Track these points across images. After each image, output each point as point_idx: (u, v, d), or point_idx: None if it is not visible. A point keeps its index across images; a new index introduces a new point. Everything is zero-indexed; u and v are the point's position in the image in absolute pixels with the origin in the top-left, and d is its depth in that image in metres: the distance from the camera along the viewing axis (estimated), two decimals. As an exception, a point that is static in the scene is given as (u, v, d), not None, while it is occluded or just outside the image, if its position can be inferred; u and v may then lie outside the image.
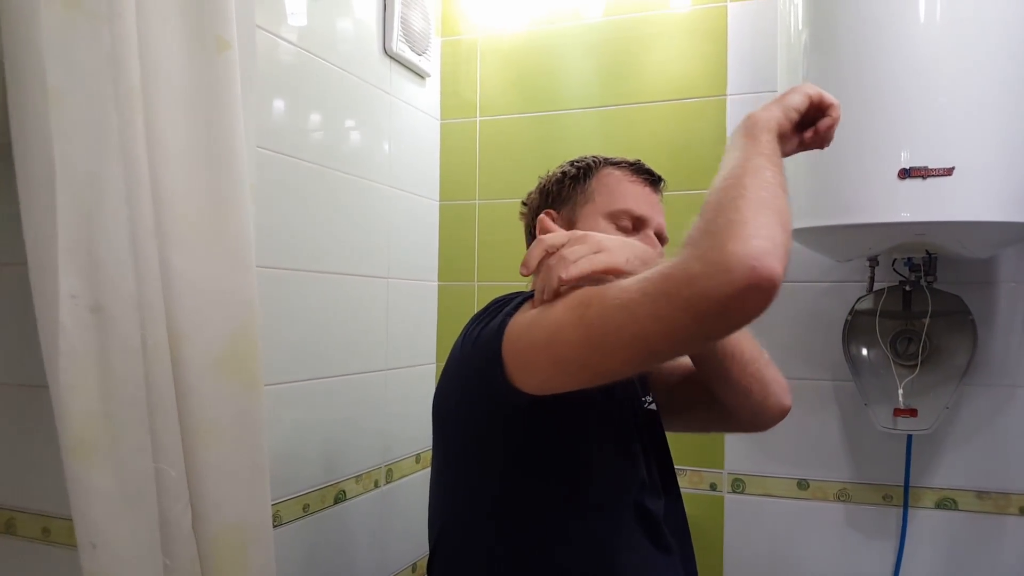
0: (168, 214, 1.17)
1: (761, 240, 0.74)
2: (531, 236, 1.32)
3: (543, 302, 0.97)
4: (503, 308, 1.06)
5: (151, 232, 1.14)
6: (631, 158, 1.30)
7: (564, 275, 0.94)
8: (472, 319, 1.15)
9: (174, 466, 1.18)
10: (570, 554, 1.08)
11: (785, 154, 0.99)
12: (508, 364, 0.99)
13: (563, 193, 1.28)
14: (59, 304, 1.08)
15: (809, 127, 1.04)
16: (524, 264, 1.02)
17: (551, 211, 1.27)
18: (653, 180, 1.28)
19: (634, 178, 1.26)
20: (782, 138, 0.97)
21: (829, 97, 1.02)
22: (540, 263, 1.00)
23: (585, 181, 1.27)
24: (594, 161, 1.29)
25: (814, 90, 1.01)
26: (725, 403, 1.25)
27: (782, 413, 1.24)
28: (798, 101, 0.99)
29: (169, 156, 1.17)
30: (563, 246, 0.99)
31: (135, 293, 1.13)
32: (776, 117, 0.96)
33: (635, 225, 1.22)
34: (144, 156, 1.13)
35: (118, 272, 1.11)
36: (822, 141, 1.05)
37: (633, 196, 1.24)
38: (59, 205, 1.07)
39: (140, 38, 1.13)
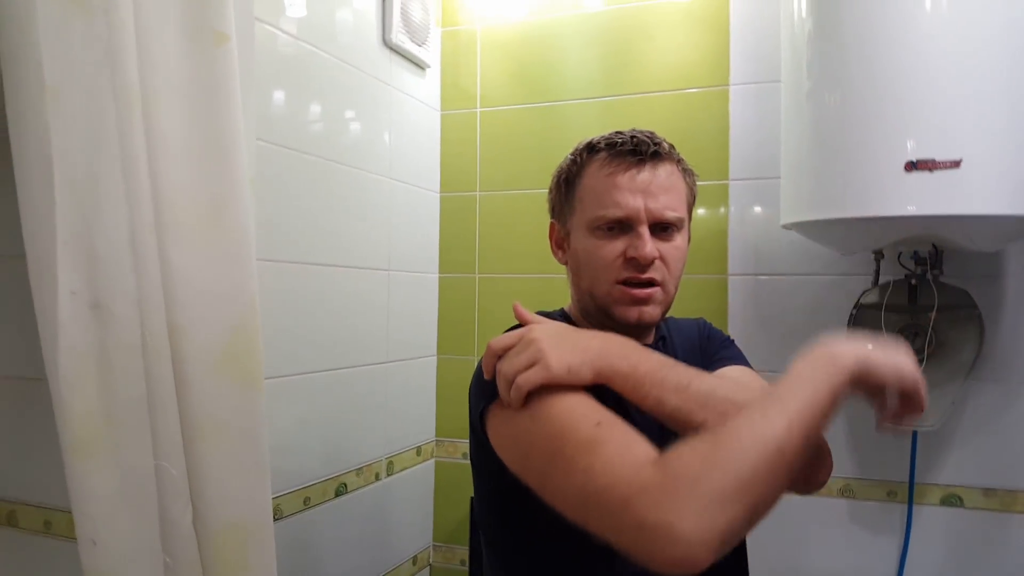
0: (167, 210, 1.15)
1: (705, 531, 0.69)
2: None
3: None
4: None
5: (150, 228, 1.13)
6: (615, 135, 1.11)
7: (513, 406, 0.92)
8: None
9: (175, 464, 1.17)
10: None
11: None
12: (492, 439, 1.00)
13: (556, 205, 1.19)
14: (58, 301, 1.07)
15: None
16: (485, 372, 0.98)
17: (554, 223, 1.20)
18: (640, 158, 1.07)
19: (613, 166, 1.07)
20: (850, 387, 0.84)
21: (922, 396, 0.87)
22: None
23: (572, 188, 1.14)
24: (580, 158, 1.13)
25: (911, 380, 0.86)
26: None
27: (811, 488, 1.04)
28: (887, 374, 0.85)
29: (168, 151, 1.15)
30: (506, 352, 0.94)
31: (135, 289, 1.12)
32: (852, 371, 0.82)
33: (620, 228, 1.07)
34: (143, 151, 1.12)
35: (117, 268, 1.10)
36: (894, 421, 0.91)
37: (608, 193, 1.07)
38: (57, 202, 1.05)
39: (137, 32, 1.11)
